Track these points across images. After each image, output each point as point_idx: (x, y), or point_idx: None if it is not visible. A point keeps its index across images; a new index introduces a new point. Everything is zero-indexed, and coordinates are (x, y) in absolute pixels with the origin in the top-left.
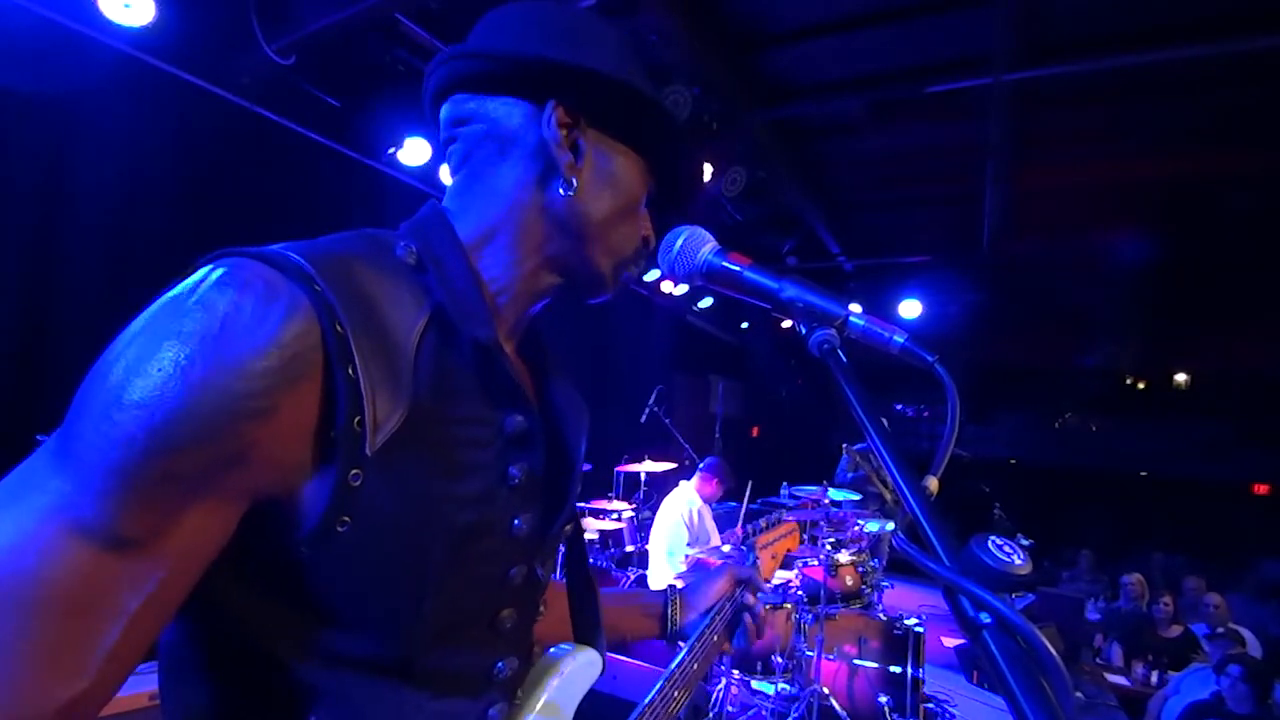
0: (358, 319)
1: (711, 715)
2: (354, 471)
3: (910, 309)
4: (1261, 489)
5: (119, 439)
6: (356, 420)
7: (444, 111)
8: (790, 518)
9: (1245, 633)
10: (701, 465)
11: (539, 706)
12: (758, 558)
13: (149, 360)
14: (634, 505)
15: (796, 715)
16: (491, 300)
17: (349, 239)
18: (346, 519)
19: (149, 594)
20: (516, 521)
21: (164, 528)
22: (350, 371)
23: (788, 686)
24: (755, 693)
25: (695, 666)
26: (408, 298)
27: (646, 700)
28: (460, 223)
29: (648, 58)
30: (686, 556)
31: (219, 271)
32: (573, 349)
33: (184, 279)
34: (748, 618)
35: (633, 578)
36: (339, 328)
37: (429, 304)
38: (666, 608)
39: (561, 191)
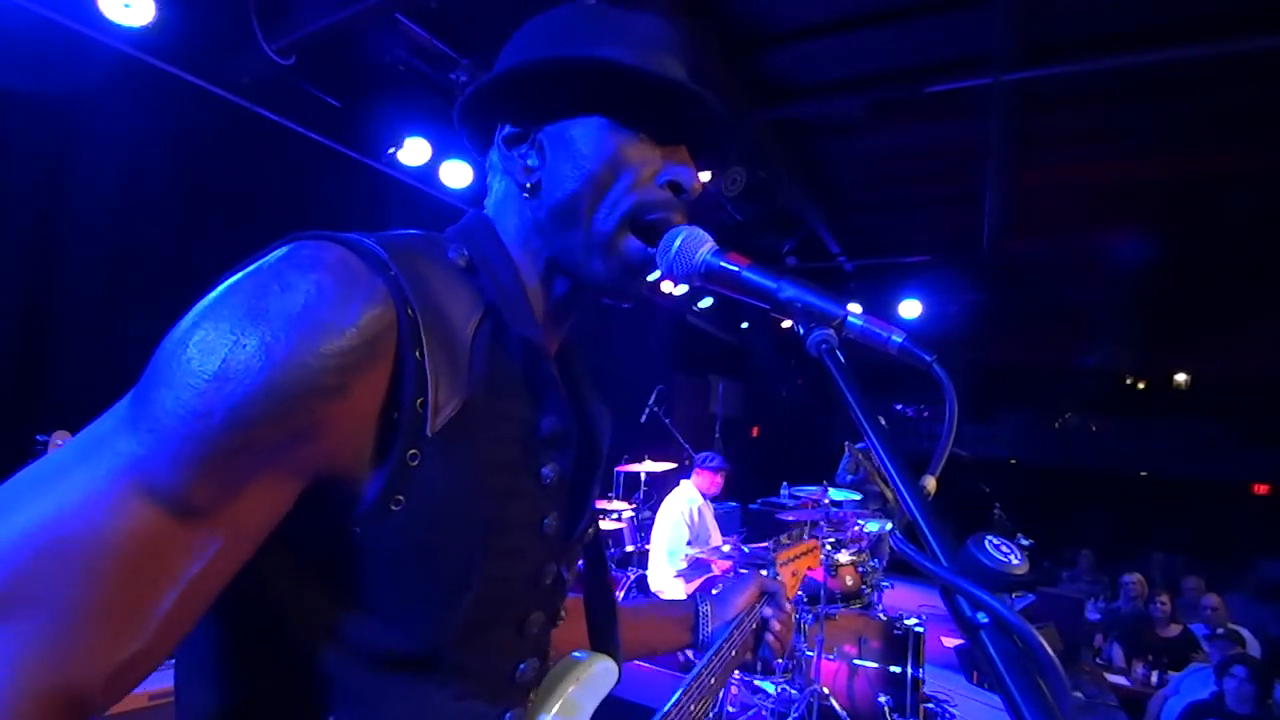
0: (426, 307)
1: (711, 715)
2: (412, 452)
3: (910, 309)
4: (1261, 489)
5: (199, 409)
6: (419, 402)
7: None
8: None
9: (1245, 633)
10: (697, 461)
11: (555, 710)
12: (779, 573)
13: (233, 335)
14: (634, 505)
15: (796, 715)
16: (537, 304)
17: (410, 236)
18: (401, 498)
19: (207, 562)
20: (546, 521)
21: (230, 499)
22: (418, 355)
23: (788, 688)
24: (756, 692)
25: (713, 681)
26: (464, 294)
27: (663, 711)
28: (501, 231)
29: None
30: (686, 555)
31: (303, 252)
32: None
33: (262, 256)
34: (770, 636)
35: (633, 578)
36: (410, 311)
37: (482, 302)
38: (698, 618)
39: (525, 196)
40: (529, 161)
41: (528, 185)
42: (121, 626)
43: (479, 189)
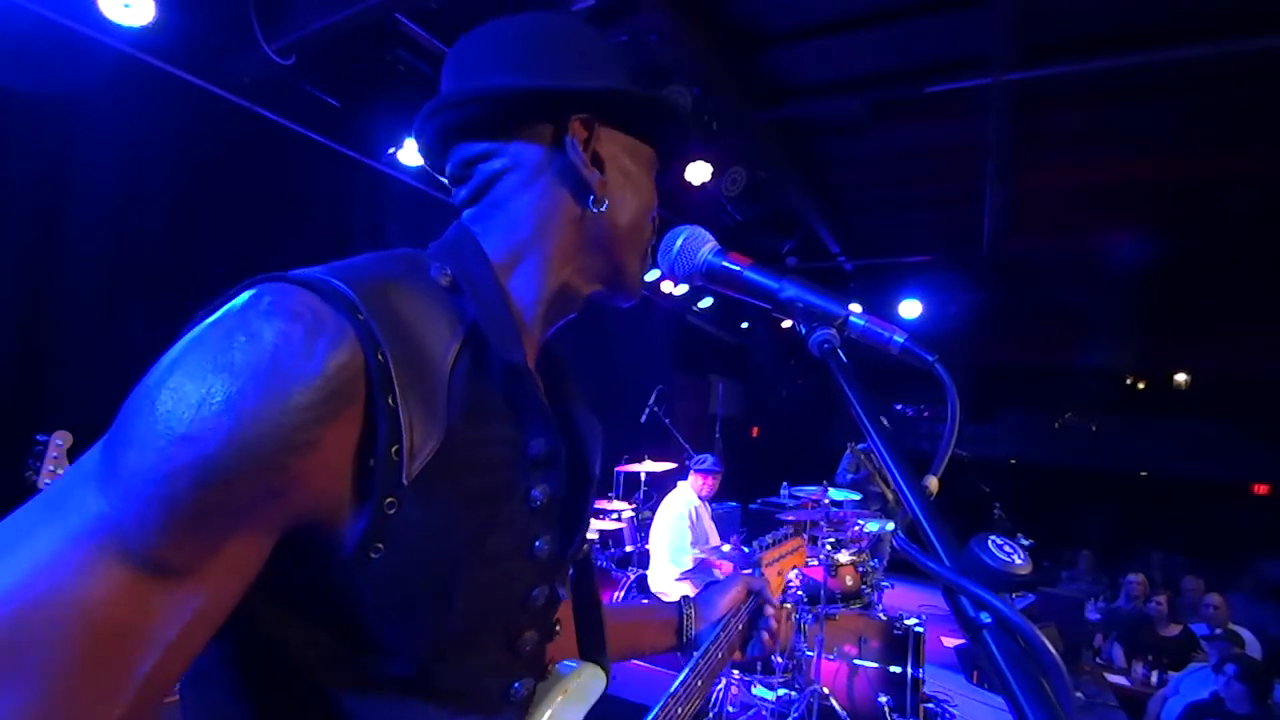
0: (397, 345)
1: (711, 715)
2: (389, 500)
3: (910, 309)
4: (1261, 489)
5: (166, 469)
6: (394, 449)
7: (452, 158)
8: (793, 526)
9: (1245, 633)
10: (693, 463)
11: None
12: (764, 574)
13: (199, 391)
14: (634, 505)
15: (796, 715)
16: (520, 320)
17: (386, 260)
18: (380, 545)
19: (186, 622)
20: (538, 543)
21: (205, 557)
22: (390, 401)
23: (787, 690)
24: (755, 693)
25: (699, 683)
26: (442, 320)
27: (650, 717)
28: (487, 245)
29: (624, 50)
30: (691, 556)
31: (266, 299)
32: (572, 349)
33: (226, 301)
34: (765, 634)
35: (633, 578)
36: (381, 356)
37: (463, 326)
38: (682, 620)
39: (594, 209)
40: (597, 175)
41: (603, 199)
42: (101, 691)
43: None
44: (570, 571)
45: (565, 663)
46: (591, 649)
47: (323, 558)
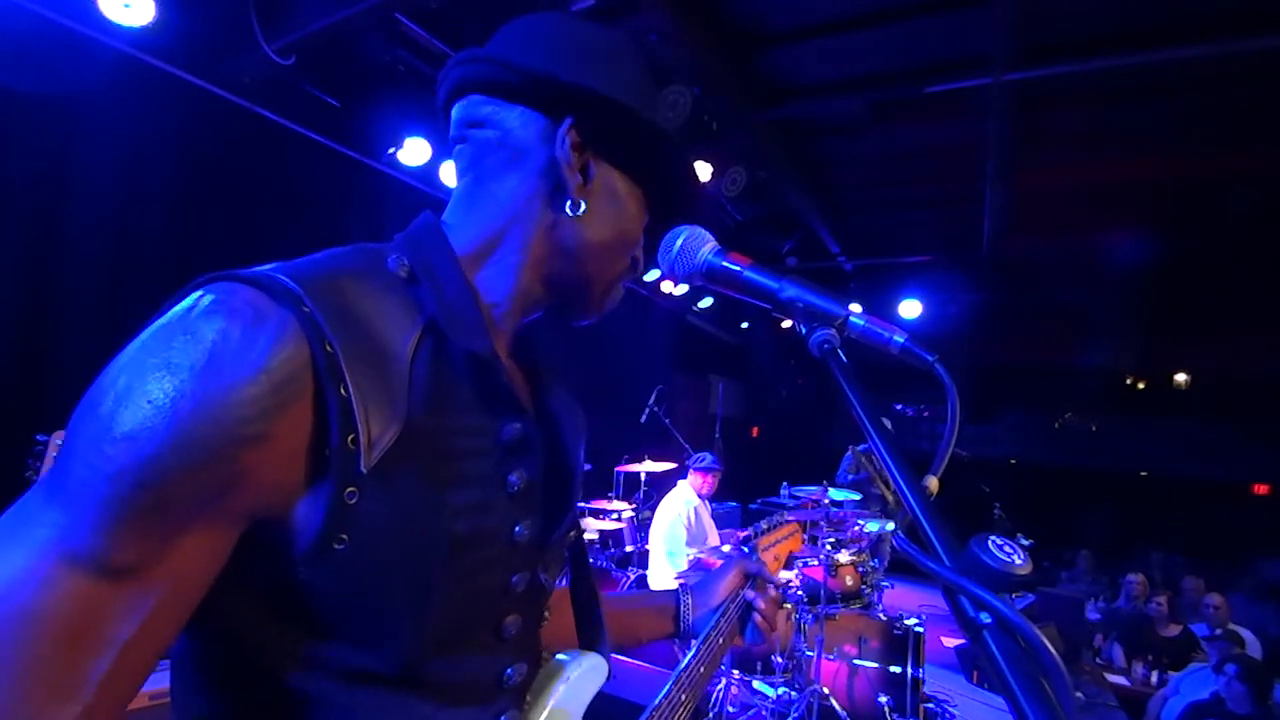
0: (348, 337)
1: (711, 715)
2: (350, 490)
3: (910, 309)
4: (1261, 489)
5: (109, 471)
6: (350, 438)
7: (457, 111)
8: (791, 518)
9: (1245, 633)
10: (691, 462)
11: (546, 712)
12: (760, 558)
13: (138, 391)
14: (634, 505)
15: (796, 715)
16: (487, 311)
17: (340, 255)
18: (344, 537)
19: (143, 621)
20: (518, 529)
21: (157, 555)
22: (342, 390)
23: (787, 690)
24: (755, 692)
25: (702, 669)
26: (399, 311)
27: (654, 704)
28: (458, 233)
29: (661, 84)
30: (687, 556)
31: (207, 299)
32: (573, 349)
33: (174, 303)
34: (757, 616)
35: (633, 578)
36: (328, 347)
37: (422, 317)
38: (679, 606)
39: (569, 212)
40: (580, 179)
41: (580, 204)
42: (62, 696)
43: None
44: (565, 562)
45: (566, 652)
46: (591, 638)
47: (288, 550)
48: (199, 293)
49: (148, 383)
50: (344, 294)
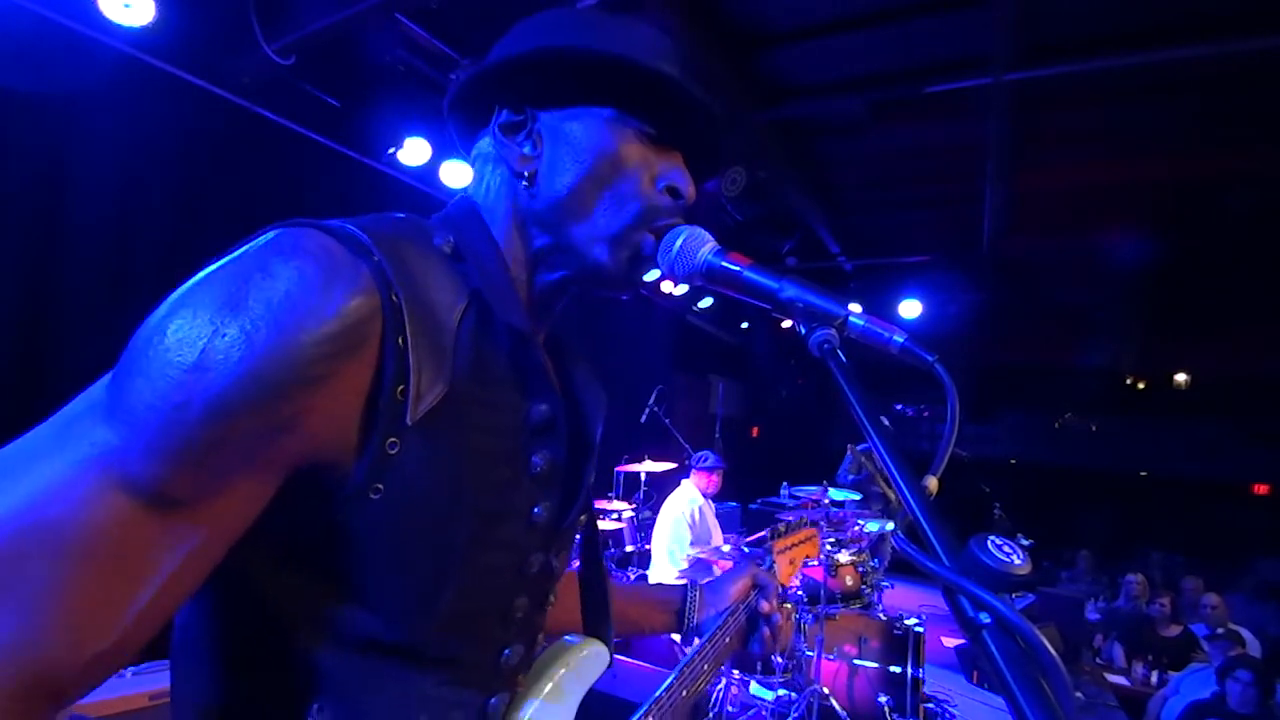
0: (411, 293)
1: (711, 715)
2: (391, 440)
3: (910, 309)
4: (1261, 489)
5: (176, 400)
6: (400, 389)
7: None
8: (791, 519)
9: (1245, 633)
10: (694, 461)
11: (544, 694)
12: (775, 562)
13: (212, 324)
14: (634, 505)
15: (796, 715)
16: (522, 292)
17: (396, 221)
18: (380, 486)
19: (185, 555)
20: (536, 510)
21: (209, 491)
22: (400, 342)
23: (787, 690)
24: (754, 693)
25: (705, 667)
26: (447, 282)
27: (654, 696)
28: (487, 219)
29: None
30: (688, 556)
31: (285, 240)
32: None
33: (246, 243)
34: (767, 631)
35: (633, 578)
36: (395, 298)
37: (467, 289)
38: (685, 603)
39: (524, 186)
40: (525, 150)
41: (525, 174)
42: (96, 619)
43: None
44: (576, 545)
45: (569, 636)
46: (596, 625)
47: (324, 499)
48: (273, 234)
49: (222, 315)
50: (404, 255)
